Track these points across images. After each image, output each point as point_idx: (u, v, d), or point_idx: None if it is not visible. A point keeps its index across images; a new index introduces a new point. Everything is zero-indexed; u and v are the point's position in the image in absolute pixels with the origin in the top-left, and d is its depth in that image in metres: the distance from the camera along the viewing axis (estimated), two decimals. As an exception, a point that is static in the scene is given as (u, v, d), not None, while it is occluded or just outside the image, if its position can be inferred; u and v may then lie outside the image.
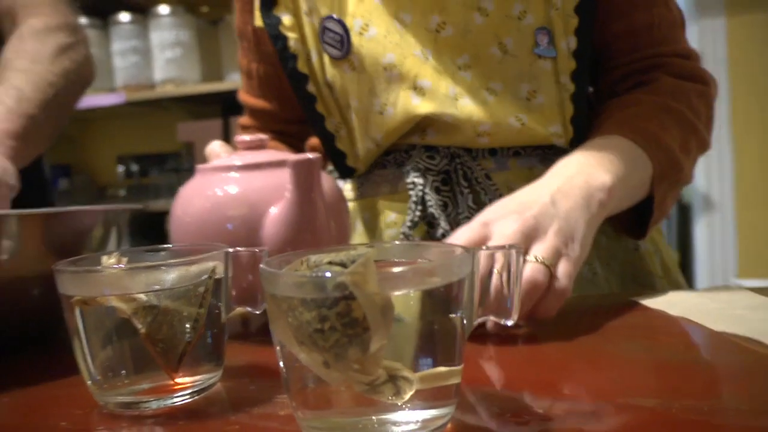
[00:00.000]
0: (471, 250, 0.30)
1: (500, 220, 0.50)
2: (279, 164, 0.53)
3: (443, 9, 0.64)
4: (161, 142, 2.48)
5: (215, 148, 0.59)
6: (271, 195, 0.51)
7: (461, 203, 0.66)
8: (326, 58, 0.69)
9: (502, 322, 0.33)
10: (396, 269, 0.28)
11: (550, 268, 0.47)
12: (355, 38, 0.67)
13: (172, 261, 0.38)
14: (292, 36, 0.70)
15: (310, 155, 0.48)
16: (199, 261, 0.37)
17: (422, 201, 0.66)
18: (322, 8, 0.68)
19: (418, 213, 0.66)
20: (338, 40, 0.67)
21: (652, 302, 0.54)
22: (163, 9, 2.19)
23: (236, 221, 0.51)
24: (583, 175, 0.55)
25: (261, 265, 0.30)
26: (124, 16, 2.24)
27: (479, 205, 0.65)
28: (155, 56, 2.21)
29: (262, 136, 0.56)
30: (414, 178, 0.67)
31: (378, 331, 0.27)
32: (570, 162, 0.58)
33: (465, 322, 0.30)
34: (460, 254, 0.30)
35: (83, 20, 2.23)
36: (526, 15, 0.64)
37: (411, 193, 0.67)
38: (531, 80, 0.65)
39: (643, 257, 0.71)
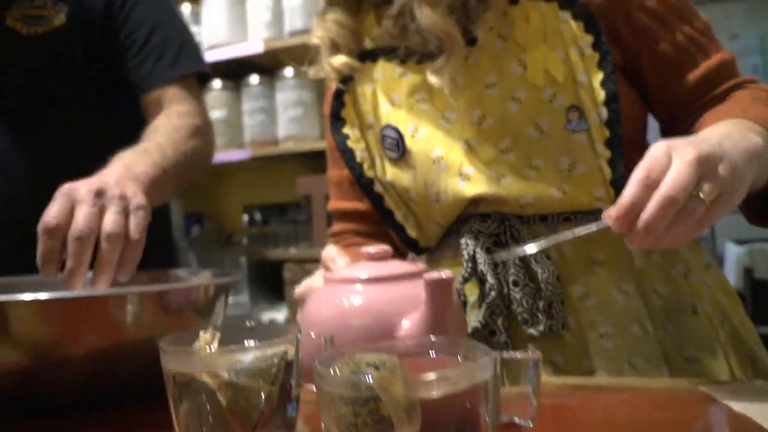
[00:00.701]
0: (493, 355, 0.34)
1: (679, 148, 0.54)
2: (403, 277, 0.58)
3: (482, 104, 0.73)
4: (282, 194, 2.65)
5: (331, 253, 0.69)
6: (394, 308, 0.55)
7: (509, 263, 0.72)
8: (387, 161, 0.80)
9: (521, 423, 0.37)
10: (423, 376, 0.32)
11: (705, 201, 0.52)
12: (408, 140, 0.77)
13: (250, 343, 0.44)
14: (358, 147, 0.83)
15: (443, 274, 0.52)
16: (273, 344, 0.44)
17: (473, 259, 0.73)
18: (381, 119, 0.81)
19: (468, 270, 0.73)
20: (395, 144, 0.79)
21: (726, 392, 0.54)
22: (288, 72, 2.38)
23: (360, 331, 0.55)
24: (738, 130, 0.61)
25: (315, 361, 0.35)
26: (254, 79, 2.45)
27: (526, 264, 0.72)
28: (279, 115, 2.39)
29: (386, 247, 0.63)
30: (467, 240, 0.74)
31: (403, 429, 0.31)
32: (718, 127, 0.63)
33: (489, 420, 0.34)
34: (483, 360, 0.33)
35: (218, 84, 2.47)
36: (557, 97, 0.71)
37: (464, 252, 0.74)
38: (569, 153, 0.71)
39: (700, 319, 0.72)
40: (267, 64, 2.45)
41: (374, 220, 0.89)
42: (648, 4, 0.74)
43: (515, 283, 0.72)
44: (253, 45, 2.36)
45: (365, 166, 0.83)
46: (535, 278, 0.72)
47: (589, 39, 0.73)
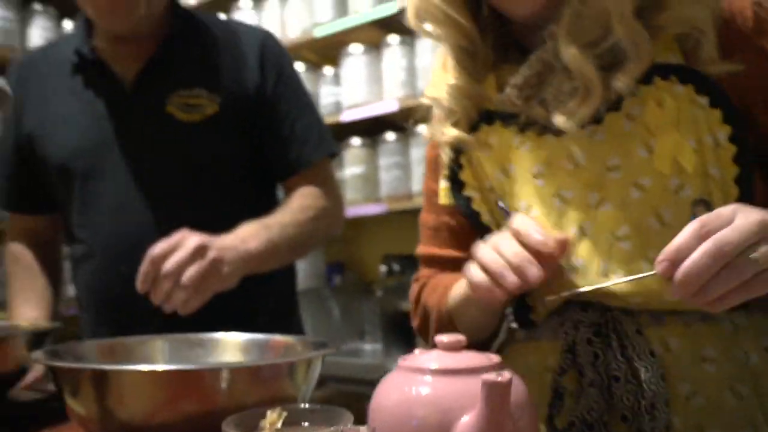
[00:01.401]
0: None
1: (745, 210, 0.55)
2: (473, 371, 0.58)
3: (602, 186, 0.71)
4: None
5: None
6: (458, 402, 0.56)
7: (610, 355, 0.69)
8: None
9: None
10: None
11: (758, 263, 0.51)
12: None
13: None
14: (483, 210, 0.80)
15: (500, 377, 0.52)
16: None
17: (572, 350, 0.70)
18: (495, 189, 0.78)
19: (567, 361, 0.71)
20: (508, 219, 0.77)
21: None
22: (422, 129, 2.45)
23: (422, 422, 0.57)
24: None
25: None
26: (390, 136, 2.55)
27: (628, 359, 0.68)
28: (414, 170, 2.47)
29: (460, 337, 0.62)
30: (567, 329, 0.72)
31: None
32: None
33: None
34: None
35: (357, 141, 2.60)
36: (684, 188, 0.68)
37: (563, 341, 0.72)
38: None
39: None
40: (402, 122, 2.54)
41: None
42: None
43: (616, 379, 0.69)
44: (389, 104, 2.47)
45: (492, 227, 0.80)
46: (637, 374, 0.68)
47: (727, 130, 0.68)
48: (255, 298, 1.16)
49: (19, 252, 1.28)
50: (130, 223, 1.14)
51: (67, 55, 1.21)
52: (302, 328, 1.40)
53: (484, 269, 0.67)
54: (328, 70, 2.77)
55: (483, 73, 0.82)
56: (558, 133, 0.74)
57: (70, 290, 2.88)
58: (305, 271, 2.76)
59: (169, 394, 0.64)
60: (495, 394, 0.52)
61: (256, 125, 1.21)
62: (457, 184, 0.81)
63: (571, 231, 0.71)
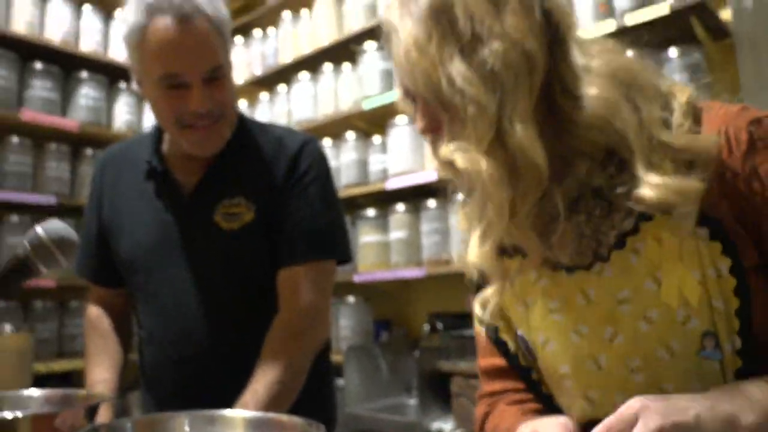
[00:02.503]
0: None
1: (648, 413, 0.59)
2: None
3: (614, 321, 0.74)
4: (460, 305, 2.82)
5: None
6: None
7: None
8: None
9: None
10: None
11: None
12: (538, 350, 0.81)
13: None
14: (509, 338, 0.86)
15: None
16: None
17: None
18: (515, 320, 0.84)
19: None
20: (527, 350, 0.83)
21: None
22: (461, 197, 2.59)
23: None
24: (734, 408, 0.61)
25: None
26: (431, 203, 2.71)
27: None
28: (452, 236, 2.60)
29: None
30: None
31: None
32: (731, 390, 0.65)
33: None
34: None
35: (401, 207, 2.76)
36: (690, 320, 0.70)
37: None
38: (700, 379, 0.69)
39: None
40: (442, 190, 2.69)
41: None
42: None
43: None
44: (431, 173, 2.63)
45: (519, 356, 0.84)
46: None
47: (727, 262, 0.70)
48: None
49: (97, 317, 1.44)
50: (183, 317, 1.28)
51: (140, 158, 1.34)
52: (333, 391, 1.47)
53: None
54: (376, 139, 2.97)
55: None
56: (570, 270, 0.78)
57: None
58: (353, 329, 2.93)
59: None
60: None
61: (278, 228, 1.30)
62: (495, 336, 0.85)
63: (588, 364, 0.75)
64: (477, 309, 0.85)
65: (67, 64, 3.21)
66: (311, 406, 1.18)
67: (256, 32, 3.66)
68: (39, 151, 3.13)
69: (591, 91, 0.73)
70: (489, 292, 0.84)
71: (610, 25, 2.14)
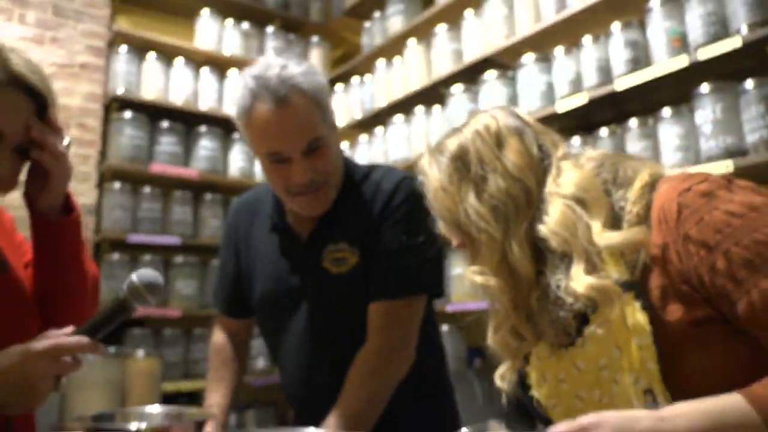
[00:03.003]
0: None
1: (602, 427, 0.72)
2: None
3: (600, 385, 0.88)
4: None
5: None
6: None
7: None
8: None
9: None
10: None
11: None
12: (549, 412, 0.95)
13: None
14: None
15: None
16: None
17: None
18: (535, 391, 0.97)
19: None
20: (544, 413, 0.97)
21: None
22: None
23: None
24: (671, 425, 0.73)
25: None
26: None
27: None
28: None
29: None
30: None
31: None
32: (675, 409, 0.75)
33: None
34: None
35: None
36: (638, 381, 0.84)
37: None
38: None
39: None
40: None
41: None
42: (719, 266, 0.79)
43: None
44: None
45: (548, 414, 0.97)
46: None
47: (648, 328, 0.83)
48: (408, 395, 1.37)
49: (222, 345, 1.63)
50: (304, 354, 1.44)
51: (265, 212, 1.50)
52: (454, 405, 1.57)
53: None
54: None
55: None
56: (566, 347, 0.93)
57: (258, 363, 3.51)
58: (448, 356, 3.05)
59: None
60: None
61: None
62: (524, 387, 1.00)
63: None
64: (498, 381, 1.03)
65: (188, 121, 3.62)
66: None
67: (354, 79, 3.93)
68: (166, 198, 3.54)
69: (553, 211, 0.91)
70: (504, 368, 1.02)
71: (683, 61, 2.18)
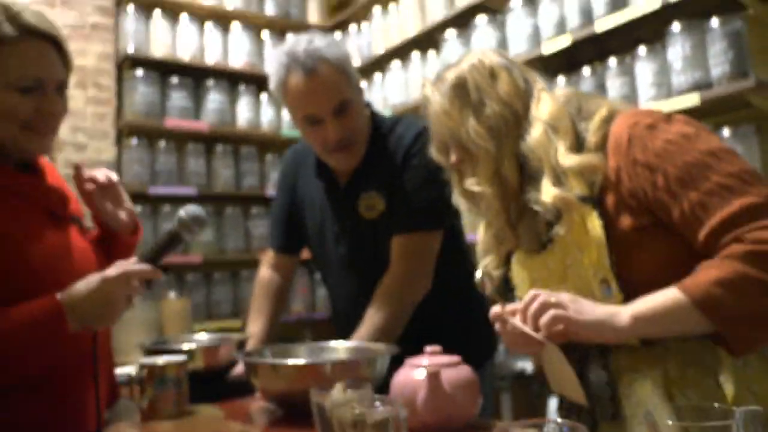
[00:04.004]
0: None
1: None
2: (442, 365, 1.13)
3: (566, 280, 1.08)
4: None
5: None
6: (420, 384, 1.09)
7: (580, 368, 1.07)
8: None
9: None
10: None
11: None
12: None
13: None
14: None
15: (432, 369, 1.05)
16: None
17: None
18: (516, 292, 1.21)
19: None
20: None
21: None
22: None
23: (411, 391, 1.14)
24: (611, 313, 0.96)
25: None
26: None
27: (584, 374, 1.08)
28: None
29: (438, 347, 1.15)
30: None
31: None
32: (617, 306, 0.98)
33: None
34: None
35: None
36: (597, 271, 1.04)
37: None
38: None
39: (725, 395, 0.96)
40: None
41: None
42: (659, 182, 0.99)
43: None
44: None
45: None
46: (588, 380, 1.06)
47: (601, 226, 1.03)
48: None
49: (268, 279, 1.83)
50: (345, 285, 1.72)
51: (311, 160, 1.73)
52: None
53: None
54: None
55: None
56: (538, 252, 1.14)
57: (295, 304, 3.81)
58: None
59: (295, 377, 1.24)
60: (432, 379, 1.06)
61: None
62: (509, 291, 1.22)
63: None
64: (479, 273, 1.24)
65: (196, 75, 3.80)
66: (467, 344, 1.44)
67: (352, 27, 4.07)
68: (181, 151, 3.75)
69: (534, 132, 1.11)
70: (487, 261, 1.23)
71: (657, 2, 2.34)
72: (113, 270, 1.13)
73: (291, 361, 1.28)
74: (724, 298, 0.92)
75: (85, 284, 1.11)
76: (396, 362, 1.22)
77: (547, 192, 1.08)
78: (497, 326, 1.06)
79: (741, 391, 0.97)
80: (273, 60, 1.57)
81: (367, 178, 1.65)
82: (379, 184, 1.62)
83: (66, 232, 1.24)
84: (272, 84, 1.58)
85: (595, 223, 1.04)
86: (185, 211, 1.25)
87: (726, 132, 2.27)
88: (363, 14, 4.01)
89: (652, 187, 1.01)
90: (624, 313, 0.97)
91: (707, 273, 0.94)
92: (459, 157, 1.17)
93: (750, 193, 0.94)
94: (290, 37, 1.63)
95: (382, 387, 1.21)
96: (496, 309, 1.04)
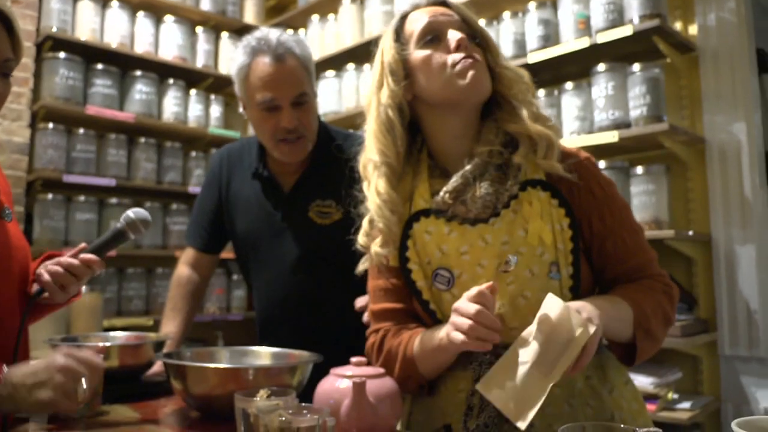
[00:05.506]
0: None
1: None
2: (360, 376, 1.13)
3: (501, 256, 1.08)
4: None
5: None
6: (347, 391, 1.07)
7: None
8: (434, 290, 1.15)
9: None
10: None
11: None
12: (456, 279, 1.12)
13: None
14: (419, 278, 1.16)
15: (358, 379, 1.04)
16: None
17: (479, 379, 1.05)
18: (434, 263, 1.15)
19: (474, 386, 1.05)
20: (446, 280, 1.14)
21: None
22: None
23: (335, 401, 1.14)
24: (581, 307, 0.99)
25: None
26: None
27: None
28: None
29: (363, 359, 1.13)
30: (474, 365, 1.10)
31: None
32: (578, 303, 1.02)
33: None
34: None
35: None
36: (544, 254, 1.09)
37: (473, 373, 1.09)
38: (547, 292, 1.01)
39: (616, 422, 1.06)
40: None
41: (409, 318, 1.21)
42: (602, 213, 1.14)
43: None
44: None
45: (424, 293, 1.16)
46: None
47: (567, 221, 1.11)
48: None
49: (185, 278, 1.83)
50: (282, 287, 1.70)
51: (248, 162, 1.73)
52: None
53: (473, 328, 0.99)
54: (391, 133, 3.35)
55: (400, 188, 1.19)
56: (474, 223, 1.12)
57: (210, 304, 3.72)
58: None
59: (218, 380, 1.23)
60: (357, 389, 1.07)
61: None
62: (405, 260, 1.17)
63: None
64: (379, 249, 1.18)
65: (123, 64, 3.67)
66: None
67: (288, 33, 4.05)
68: (101, 140, 3.61)
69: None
70: (383, 240, 1.19)
71: (585, 42, 2.49)
72: (62, 360, 1.06)
73: (219, 366, 1.27)
74: (651, 318, 1.08)
75: (32, 374, 1.05)
76: (317, 371, 1.24)
77: (520, 154, 1.13)
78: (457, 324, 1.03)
79: (624, 403, 1.13)
80: (241, 44, 1.63)
81: (319, 186, 1.67)
82: (338, 195, 1.59)
83: (5, 229, 1.19)
84: (235, 66, 1.62)
85: (559, 210, 1.11)
86: (134, 212, 1.29)
87: (639, 170, 2.42)
88: (301, 20, 4.01)
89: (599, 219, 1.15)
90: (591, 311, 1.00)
91: (642, 295, 1.10)
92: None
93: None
94: (261, 28, 1.70)
95: (303, 395, 1.22)
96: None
